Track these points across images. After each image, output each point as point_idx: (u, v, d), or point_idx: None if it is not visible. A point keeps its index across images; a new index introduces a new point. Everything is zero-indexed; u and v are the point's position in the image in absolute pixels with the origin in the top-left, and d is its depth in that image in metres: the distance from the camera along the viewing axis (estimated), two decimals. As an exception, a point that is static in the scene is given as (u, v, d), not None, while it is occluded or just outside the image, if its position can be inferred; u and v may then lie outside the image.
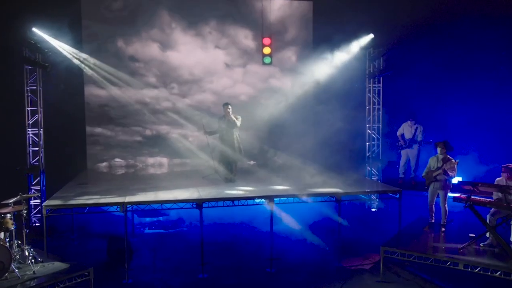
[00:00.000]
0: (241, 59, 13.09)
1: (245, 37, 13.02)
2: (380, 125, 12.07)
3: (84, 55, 11.52)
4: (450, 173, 8.20)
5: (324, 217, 9.47)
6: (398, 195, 8.74)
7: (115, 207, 7.77)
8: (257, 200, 8.41)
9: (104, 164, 12.39)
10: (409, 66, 10.94)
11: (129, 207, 7.76)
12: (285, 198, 8.40)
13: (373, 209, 11.56)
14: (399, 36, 11.00)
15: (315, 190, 8.67)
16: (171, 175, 11.13)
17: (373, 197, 10.13)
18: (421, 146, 10.38)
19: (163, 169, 12.27)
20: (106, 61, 11.90)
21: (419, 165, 10.53)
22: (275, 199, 8.24)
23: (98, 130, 12.31)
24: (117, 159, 12.51)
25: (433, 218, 8.62)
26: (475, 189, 7.27)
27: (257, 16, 12.77)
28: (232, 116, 9.57)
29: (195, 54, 12.76)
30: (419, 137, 10.36)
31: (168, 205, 8.00)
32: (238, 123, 9.60)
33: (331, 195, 8.48)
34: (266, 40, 12.23)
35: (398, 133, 10.85)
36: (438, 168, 8.41)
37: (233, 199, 8.23)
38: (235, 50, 13.02)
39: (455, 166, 8.28)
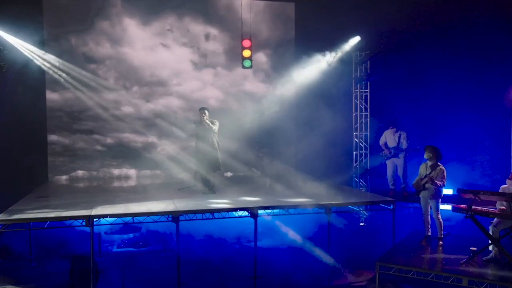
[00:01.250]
0: (212, 59, 12.58)
1: (216, 36, 12.57)
2: (368, 133, 11.88)
3: (48, 56, 10.90)
4: (437, 182, 7.95)
5: (313, 230, 9.08)
6: (392, 206, 8.47)
7: (80, 221, 7.18)
8: (239, 213, 7.96)
9: (66, 176, 11.69)
10: (397, 71, 10.76)
11: (96, 221, 7.16)
12: (270, 210, 7.97)
13: (361, 223, 11.24)
14: (388, 39, 10.86)
15: (302, 201, 8.27)
16: (141, 188, 10.55)
17: (361, 209, 9.75)
18: (407, 153, 10.13)
19: (131, 182, 11.62)
20: (72, 62, 11.37)
21: (407, 175, 10.27)
22: (259, 211, 7.79)
23: (60, 138, 11.65)
24: (80, 171, 11.80)
25: (430, 230, 8.34)
26: (477, 198, 7.02)
27: (231, 15, 12.45)
28: (207, 121, 9.23)
29: (158, 53, 12.19)
30: (404, 145, 10.12)
31: (141, 218, 7.45)
32: (215, 127, 9.30)
33: (320, 206, 8.10)
34: (246, 42, 11.83)
35: (381, 142, 10.60)
36: (426, 176, 8.17)
37: (213, 211, 7.76)
38: (204, 50, 12.52)
39: (444, 173, 8.06)
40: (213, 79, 12.64)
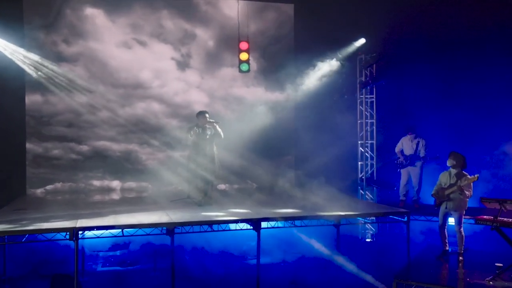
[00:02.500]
0: (197, 59, 12.02)
1: (200, 33, 12.04)
2: (374, 142, 11.58)
3: (31, 55, 10.39)
4: (466, 192, 7.60)
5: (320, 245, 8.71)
6: (406, 218, 8.11)
7: (63, 234, 6.70)
8: (240, 225, 7.54)
9: (42, 189, 11.03)
10: (406, 73, 10.52)
11: (81, 233, 6.69)
12: (275, 222, 7.56)
13: (367, 239, 10.87)
14: (395, 40, 10.66)
15: (309, 213, 7.89)
16: (129, 200, 10.06)
17: (372, 222, 9.37)
18: (425, 163, 9.81)
19: (114, 195, 11.04)
20: (53, 61, 10.82)
21: (422, 185, 9.94)
22: (262, 223, 7.38)
23: (31, 146, 10.96)
24: (57, 183, 11.10)
25: (447, 245, 7.96)
26: (502, 208, 6.70)
27: (217, 11, 12.05)
28: (217, 127, 8.97)
29: (134, 51, 11.51)
30: (422, 153, 9.82)
31: (132, 231, 6.98)
32: (222, 133, 9.03)
33: (328, 218, 7.72)
34: (243, 45, 11.51)
35: (397, 149, 10.29)
36: (451, 185, 7.82)
37: (212, 223, 7.32)
38: (188, 48, 11.94)
39: (472, 183, 7.72)
40: (200, 81, 12.07)
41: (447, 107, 10.10)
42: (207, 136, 9.01)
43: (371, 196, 11.50)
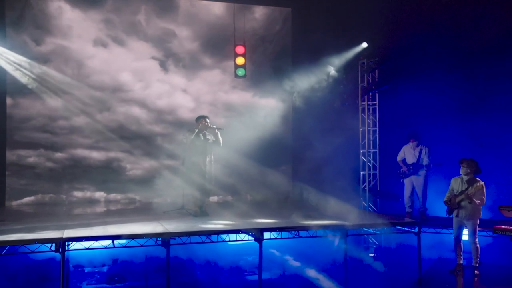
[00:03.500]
0: (183, 61, 11.71)
1: (188, 33, 11.75)
2: (377, 151, 11.39)
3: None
4: (476, 200, 7.42)
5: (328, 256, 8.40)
6: (416, 228, 7.87)
7: (48, 245, 6.34)
8: (241, 236, 7.25)
9: (22, 200, 10.59)
10: (413, 79, 10.37)
11: (68, 245, 6.35)
12: (277, 232, 7.28)
13: (371, 254, 10.59)
14: (400, 44, 10.52)
15: (314, 222, 7.63)
16: (115, 212, 9.70)
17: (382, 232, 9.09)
18: (429, 171, 9.63)
19: (98, 208, 10.63)
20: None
21: (427, 195, 9.73)
22: (265, 233, 7.10)
23: (13, 154, 10.56)
24: (37, 194, 10.67)
25: (462, 258, 7.73)
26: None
27: (202, 11, 11.83)
28: (219, 134, 8.84)
29: (111, 49, 11.13)
30: (425, 161, 9.64)
31: (123, 242, 6.64)
32: (221, 143, 8.88)
33: (335, 228, 7.47)
34: (240, 49, 11.41)
35: (399, 158, 10.10)
36: (461, 192, 7.65)
37: (210, 234, 7.02)
38: (171, 48, 11.61)
39: (484, 189, 7.55)
40: (186, 84, 11.76)
41: (462, 115, 9.89)
42: (207, 143, 8.74)
43: (374, 208, 11.28)
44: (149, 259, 8.92)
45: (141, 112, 11.34)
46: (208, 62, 11.89)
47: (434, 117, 10.14)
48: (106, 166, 11.08)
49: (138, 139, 11.21)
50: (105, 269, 9.24)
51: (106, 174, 11.05)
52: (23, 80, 10.31)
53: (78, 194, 10.94)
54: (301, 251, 8.97)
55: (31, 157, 10.63)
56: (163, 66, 11.56)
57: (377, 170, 11.38)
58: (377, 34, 10.81)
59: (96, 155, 11.04)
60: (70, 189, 10.83)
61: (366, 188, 11.39)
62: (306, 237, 7.51)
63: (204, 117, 8.95)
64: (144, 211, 9.56)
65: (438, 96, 9.95)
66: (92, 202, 10.88)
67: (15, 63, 10.18)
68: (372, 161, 11.44)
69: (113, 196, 11.13)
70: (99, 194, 11.07)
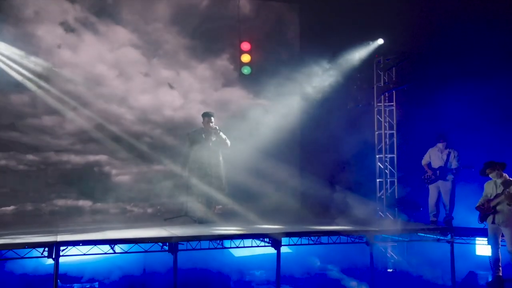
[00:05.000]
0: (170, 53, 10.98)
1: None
2: (395, 156, 11.05)
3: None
4: None
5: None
6: (449, 235, 7.51)
7: (41, 250, 5.94)
8: (256, 242, 6.89)
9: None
10: (436, 76, 10.16)
11: (63, 250, 5.91)
12: (297, 238, 6.91)
13: (389, 270, 10.22)
14: (419, 39, 10.29)
15: (337, 227, 7.28)
16: (109, 220, 9.23)
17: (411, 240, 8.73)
18: (457, 176, 9.30)
19: (85, 217, 10.06)
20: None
21: (454, 202, 9.39)
22: (283, 238, 6.72)
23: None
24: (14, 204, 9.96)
25: (501, 270, 7.38)
26: None
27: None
28: (222, 134, 8.52)
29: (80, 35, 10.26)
30: (454, 164, 9.31)
31: (125, 247, 6.23)
32: (229, 141, 8.58)
33: (359, 234, 7.12)
34: (245, 45, 11.19)
35: (424, 162, 9.77)
36: (497, 195, 7.34)
37: (223, 238, 6.63)
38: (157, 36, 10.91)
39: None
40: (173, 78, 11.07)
41: (494, 117, 9.64)
42: (211, 143, 8.41)
43: (392, 218, 10.90)
44: (148, 274, 8.55)
45: (120, 110, 10.56)
46: (204, 54, 11.25)
47: (460, 118, 9.84)
48: (87, 171, 10.34)
49: (120, 141, 10.42)
50: (96, 284, 8.80)
51: (88, 181, 10.29)
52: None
53: (59, 202, 10.20)
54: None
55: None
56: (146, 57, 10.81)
57: (395, 177, 11.03)
58: (395, 29, 10.52)
59: (75, 158, 10.33)
60: (52, 197, 10.12)
61: (384, 196, 11.03)
62: (328, 243, 7.13)
63: (208, 115, 8.59)
64: (140, 219, 9.11)
65: (466, 96, 9.67)
66: (78, 211, 10.20)
67: None
68: (389, 167, 11.10)
69: (99, 205, 10.32)
70: (83, 202, 10.32)
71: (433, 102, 10.32)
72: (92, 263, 8.39)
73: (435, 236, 7.79)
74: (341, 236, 7.17)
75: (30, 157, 10.03)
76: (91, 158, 10.38)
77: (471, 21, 9.65)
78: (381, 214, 11.01)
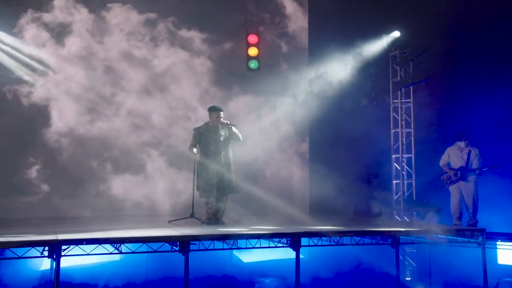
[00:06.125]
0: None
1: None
2: (412, 156, 10.87)
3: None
4: None
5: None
6: (480, 237, 7.30)
7: (40, 249, 5.67)
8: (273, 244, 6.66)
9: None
10: (459, 69, 10.01)
11: (65, 249, 5.65)
12: (317, 238, 6.68)
13: (407, 278, 10.03)
14: (437, 30, 10.15)
15: (361, 228, 7.08)
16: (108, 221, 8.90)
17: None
18: (479, 176, 9.11)
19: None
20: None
21: (478, 204, 9.19)
22: (302, 238, 6.50)
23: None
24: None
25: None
26: None
27: None
28: (234, 129, 8.27)
29: None
30: (475, 164, 9.13)
31: (133, 247, 5.97)
32: (241, 136, 8.36)
33: (385, 234, 6.91)
34: (253, 38, 11.05)
35: (442, 162, 9.58)
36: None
37: (238, 238, 6.40)
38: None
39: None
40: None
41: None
42: (221, 138, 8.18)
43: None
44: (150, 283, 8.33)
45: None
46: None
47: (485, 115, 9.65)
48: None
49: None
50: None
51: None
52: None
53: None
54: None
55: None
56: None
57: (413, 178, 10.84)
58: (412, 21, 10.47)
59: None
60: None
61: (400, 199, 10.83)
62: (351, 244, 6.91)
63: (218, 110, 8.37)
64: (142, 221, 8.80)
65: (493, 92, 9.48)
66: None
67: None
68: (406, 168, 10.91)
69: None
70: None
71: (455, 98, 10.18)
72: (85, 269, 8.14)
73: (464, 239, 7.53)
74: (364, 238, 6.96)
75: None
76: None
77: (496, 11, 9.55)
78: (398, 218, 10.82)
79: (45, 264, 8.19)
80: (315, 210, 11.56)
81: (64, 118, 9.54)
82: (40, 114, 9.50)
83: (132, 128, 10.09)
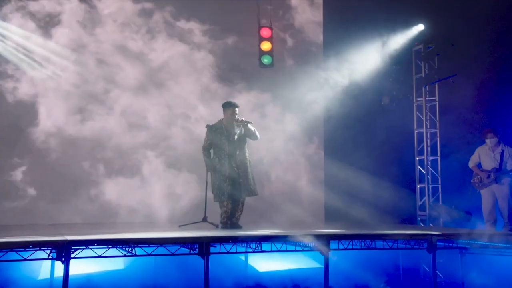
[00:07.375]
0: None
1: None
2: (438, 158, 10.74)
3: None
4: None
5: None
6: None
7: (47, 251, 5.47)
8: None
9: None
10: (484, 65, 9.90)
11: (74, 250, 5.43)
12: (348, 241, 6.50)
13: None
14: (464, 23, 10.04)
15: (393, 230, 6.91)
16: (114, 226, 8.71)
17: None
18: (515, 177, 8.98)
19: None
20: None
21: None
22: (331, 241, 6.31)
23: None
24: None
25: None
26: None
27: None
28: (250, 126, 8.07)
29: None
30: (510, 164, 8.94)
31: (149, 250, 5.78)
32: (258, 134, 8.16)
33: (419, 237, 6.73)
34: (265, 31, 10.87)
35: (471, 163, 9.38)
36: None
37: (263, 240, 6.20)
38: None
39: None
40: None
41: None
42: (236, 137, 7.99)
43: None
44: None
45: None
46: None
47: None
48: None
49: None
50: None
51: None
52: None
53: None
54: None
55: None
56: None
57: (439, 182, 10.68)
58: (437, 13, 10.43)
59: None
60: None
61: (426, 204, 10.65)
62: (383, 248, 6.71)
63: (230, 106, 8.17)
64: (142, 228, 8.55)
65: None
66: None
67: None
68: (431, 171, 10.75)
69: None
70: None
71: (485, 96, 10.07)
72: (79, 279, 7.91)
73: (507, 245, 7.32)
74: (398, 241, 6.77)
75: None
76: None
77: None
78: (422, 224, 10.67)
79: (44, 272, 7.94)
80: (330, 216, 11.31)
81: (52, 116, 9.33)
82: (26, 111, 9.26)
83: (127, 127, 9.84)
